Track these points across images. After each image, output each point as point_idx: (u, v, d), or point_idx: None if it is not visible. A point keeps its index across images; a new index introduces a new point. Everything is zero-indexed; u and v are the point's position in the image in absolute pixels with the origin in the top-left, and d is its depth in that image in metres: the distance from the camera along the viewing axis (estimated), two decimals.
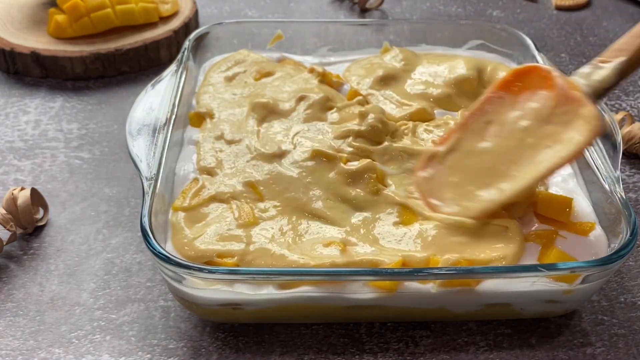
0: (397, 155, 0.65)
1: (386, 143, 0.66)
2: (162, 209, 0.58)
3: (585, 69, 0.58)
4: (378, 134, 0.67)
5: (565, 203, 0.60)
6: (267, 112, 0.70)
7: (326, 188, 0.62)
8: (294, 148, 0.66)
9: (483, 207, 0.58)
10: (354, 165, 0.63)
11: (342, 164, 0.63)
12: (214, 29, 0.83)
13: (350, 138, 0.66)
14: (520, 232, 0.57)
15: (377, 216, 0.59)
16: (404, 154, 0.65)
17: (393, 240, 0.57)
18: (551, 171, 0.57)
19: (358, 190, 0.61)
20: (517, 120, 0.59)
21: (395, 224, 0.59)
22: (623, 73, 0.57)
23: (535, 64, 0.63)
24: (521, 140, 0.58)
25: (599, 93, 0.57)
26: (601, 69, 0.57)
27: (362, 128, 0.66)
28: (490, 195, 0.58)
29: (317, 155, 0.64)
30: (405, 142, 0.67)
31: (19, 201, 0.64)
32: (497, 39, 0.82)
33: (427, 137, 0.68)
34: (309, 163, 0.64)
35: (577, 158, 0.61)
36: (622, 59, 0.57)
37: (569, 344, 0.56)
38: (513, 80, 0.61)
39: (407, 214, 0.59)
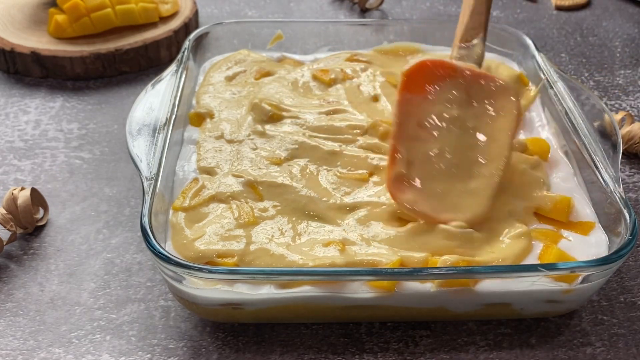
0: None
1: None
2: (162, 209, 0.58)
3: (460, 52, 0.65)
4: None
5: (565, 203, 0.60)
6: (267, 113, 0.70)
7: (324, 188, 0.62)
8: (294, 148, 0.66)
9: (487, 197, 0.58)
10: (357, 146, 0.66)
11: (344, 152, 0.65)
12: (214, 29, 0.83)
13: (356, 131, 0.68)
14: (529, 237, 0.57)
15: (375, 215, 0.59)
16: None
17: (392, 240, 0.57)
18: (512, 138, 0.61)
19: (355, 187, 0.62)
20: (446, 113, 0.61)
21: (394, 223, 0.59)
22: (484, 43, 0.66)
23: (421, 60, 0.62)
24: (464, 128, 0.61)
25: (480, 64, 0.65)
26: (474, 46, 0.65)
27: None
28: (482, 183, 0.59)
29: (317, 154, 0.65)
30: None
31: (19, 201, 0.64)
32: (497, 39, 0.81)
33: None
34: (309, 163, 0.64)
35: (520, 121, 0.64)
36: (481, 34, 0.66)
37: (569, 344, 0.56)
38: (408, 82, 0.61)
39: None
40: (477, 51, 0.65)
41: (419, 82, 0.61)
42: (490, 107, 0.61)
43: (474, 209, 0.58)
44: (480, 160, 0.60)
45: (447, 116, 0.60)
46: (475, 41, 0.65)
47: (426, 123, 0.60)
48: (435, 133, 0.60)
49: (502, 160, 0.59)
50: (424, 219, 0.58)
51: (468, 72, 0.62)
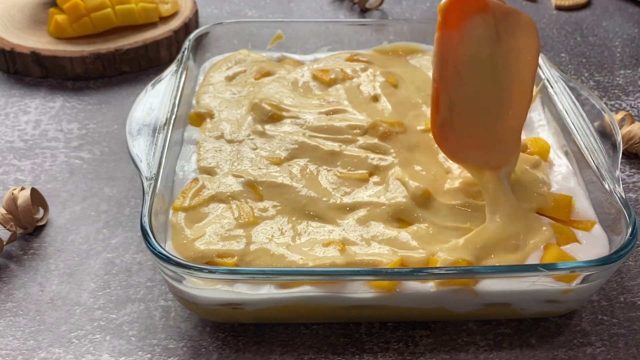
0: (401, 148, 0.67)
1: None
2: (162, 209, 0.58)
3: None
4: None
5: (567, 201, 0.60)
6: (267, 113, 0.70)
7: (324, 188, 0.62)
8: (294, 148, 0.66)
9: (518, 140, 0.61)
10: (357, 147, 0.66)
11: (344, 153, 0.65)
12: (214, 29, 0.83)
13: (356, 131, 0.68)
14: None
15: (375, 215, 0.59)
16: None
17: (392, 240, 0.57)
18: (534, 76, 0.61)
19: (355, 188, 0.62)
20: (479, 53, 0.60)
21: (393, 224, 0.59)
22: None
23: None
24: (494, 68, 0.60)
25: None
26: None
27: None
28: (511, 126, 0.61)
29: (317, 154, 0.65)
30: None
31: (19, 201, 0.64)
32: None
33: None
34: (309, 163, 0.64)
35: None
36: None
37: (569, 344, 0.56)
38: (446, 18, 0.59)
39: (407, 214, 0.60)
40: None
41: (454, 16, 0.59)
42: (516, 45, 0.60)
43: (509, 153, 0.61)
44: (508, 101, 0.60)
45: (480, 56, 0.60)
46: None
47: (462, 63, 0.59)
48: (471, 74, 0.59)
49: (527, 100, 0.61)
50: (470, 170, 0.61)
51: (497, 7, 0.60)
